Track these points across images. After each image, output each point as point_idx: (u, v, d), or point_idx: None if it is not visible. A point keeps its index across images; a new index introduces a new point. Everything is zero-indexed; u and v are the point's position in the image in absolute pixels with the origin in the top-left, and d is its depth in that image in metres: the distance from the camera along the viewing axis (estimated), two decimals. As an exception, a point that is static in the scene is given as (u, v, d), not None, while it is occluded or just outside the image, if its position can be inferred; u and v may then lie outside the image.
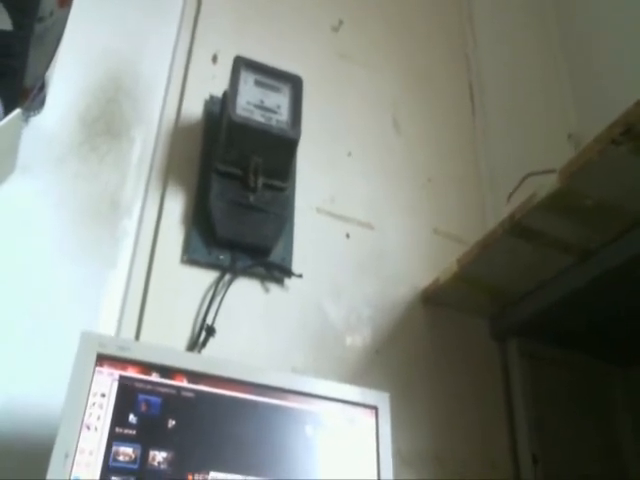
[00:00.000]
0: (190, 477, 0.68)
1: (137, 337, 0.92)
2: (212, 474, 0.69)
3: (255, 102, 1.05)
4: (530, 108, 1.33)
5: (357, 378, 1.02)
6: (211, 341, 0.95)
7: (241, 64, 1.08)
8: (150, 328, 0.92)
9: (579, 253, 0.95)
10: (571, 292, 0.97)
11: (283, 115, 1.06)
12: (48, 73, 1.02)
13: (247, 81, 1.07)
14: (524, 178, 1.10)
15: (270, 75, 1.10)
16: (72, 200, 1.01)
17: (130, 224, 1.03)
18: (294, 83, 1.10)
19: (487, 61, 1.56)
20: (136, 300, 0.95)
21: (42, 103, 1.04)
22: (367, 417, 0.80)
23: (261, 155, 1.04)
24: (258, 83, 1.08)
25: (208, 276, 1.01)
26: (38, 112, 1.04)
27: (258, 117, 1.03)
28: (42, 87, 1.03)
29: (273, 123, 1.04)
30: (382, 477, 0.76)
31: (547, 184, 0.84)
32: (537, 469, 1.04)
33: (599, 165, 0.78)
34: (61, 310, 0.91)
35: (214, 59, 1.26)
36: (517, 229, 0.91)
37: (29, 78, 1.00)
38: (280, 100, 1.08)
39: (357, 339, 1.09)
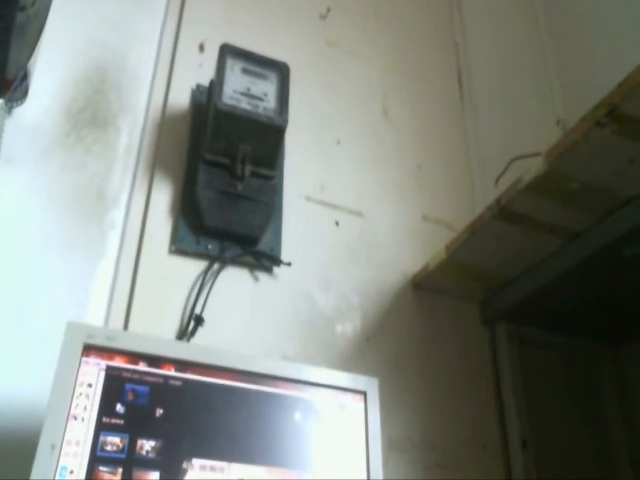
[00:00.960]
0: (179, 465, 0.68)
1: (125, 328, 0.91)
2: (195, 460, 0.69)
3: (242, 90, 1.04)
4: (519, 94, 1.33)
5: (348, 365, 1.02)
6: (200, 331, 0.94)
7: (227, 52, 1.07)
8: (138, 319, 0.92)
9: (566, 235, 0.95)
10: (559, 275, 0.97)
11: (270, 103, 1.05)
12: (30, 63, 1.01)
13: (234, 69, 1.06)
14: (510, 162, 1.10)
15: (257, 62, 1.09)
16: (58, 191, 1.00)
17: (117, 215, 1.03)
18: (281, 70, 1.09)
19: (476, 49, 1.55)
20: (124, 291, 0.95)
21: (25, 93, 1.03)
22: (356, 402, 0.80)
23: (248, 143, 1.04)
24: (245, 71, 1.07)
25: (196, 266, 1.00)
26: (21, 102, 1.02)
27: (245, 105, 1.02)
28: (24, 77, 1.01)
29: (260, 111, 1.03)
30: (371, 461, 0.76)
31: (533, 167, 0.84)
32: (527, 453, 1.04)
33: (584, 147, 0.78)
34: (49, 302, 0.90)
35: (201, 48, 1.25)
36: (504, 213, 0.91)
37: (11, 68, 0.99)
38: (267, 88, 1.07)
39: (347, 326, 1.09)
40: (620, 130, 0.76)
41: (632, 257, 0.84)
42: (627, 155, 0.79)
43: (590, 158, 0.81)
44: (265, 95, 1.06)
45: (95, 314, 0.92)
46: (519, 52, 1.37)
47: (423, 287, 1.17)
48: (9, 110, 1.01)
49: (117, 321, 0.91)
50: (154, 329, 0.91)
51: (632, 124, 0.75)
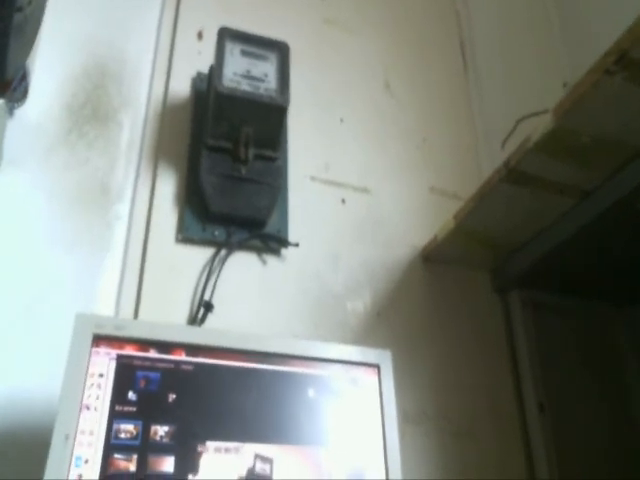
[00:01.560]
0: (194, 449, 0.68)
1: (135, 318, 0.91)
2: (208, 443, 0.68)
3: (242, 72, 1.03)
4: (523, 60, 1.29)
5: (360, 341, 1.01)
6: (211, 317, 0.94)
7: (226, 35, 1.05)
8: (148, 309, 0.92)
9: (578, 194, 0.92)
10: (570, 236, 0.94)
11: (271, 83, 1.04)
12: (29, 62, 1.01)
13: (233, 52, 1.05)
14: (518, 122, 1.07)
15: (256, 44, 1.07)
16: (62, 188, 1.00)
17: (123, 207, 1.02)
18: (280, 50, 1.08)
19: (478, 16, 1.51)
20: (133, 282, 0.94)
21: (25, 93, 1.03)
22: (370, 376, 0.79)
23: (251, 125, 1.02)
24: (244, 53, 1.06)
25: (204, 253, 1.00)
26: (22, 103, 1.03)
27: (245, 87, 1.01)
28: (23, 77, 1.02)
29: (261, 92, 1.02)
30: (387, 434, 0.75)
31: (541, 125, 0.81)
32: (543, 418, 1.02)
33: (593, 99, 0.75)
34: (58, 296, 0.91)
35: (199, 35, 1.24)
36: (513, 175, 0.88)
37: (10, 69, 0.99)
38: (267, 68, 1.06)
39: (358, 303, 1.07)
40: (631, 77, 0.72)
41: (645, 211, 0.81)
42: (639, 103, 0.76)
43: (600, 110, 0.77)
44: (265, 76, 1.04)
45: (105, 306, 0.92)
46: (522, 17, 1.33)
47: (432, 259, 1.15)
48: (10, 111, 1.01)
49: (127, 312, 0.91)
50: (164, 318, 0.91)
51: (643, 70, 0.71)
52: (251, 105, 1.00)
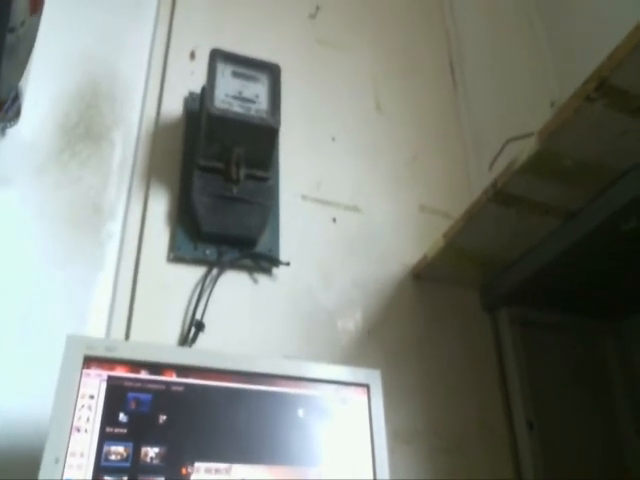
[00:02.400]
0: (184, 470, 0.68)
1: (127, 338, 0.91)
2: (197, 464, 0.69)
3: (233, 94, 1.04)
4: (512, 79, 1.32)
5: (351, 360, 1.02)
6: (202, 336, 0.94)
7: (218, 56, 1.07)
8: (140, 328, 0.92)
9: (563, 215, 0.94)
10: (557, 255, 0.96)
11: (262, 104, 1.05)
12: (21, 82, 1.02)
13: (224, 73, 1.06)
14: (504, 145, 1.09)
15: (247, 65, 1.08)
16: (55, 207, 1.00)
17: (114, 226, 1.03)
18: (272, 71, 1.09)
19: (467, 35, 1.54)
20: (124, 302, 0.95)
21: (18, 113, 1.03)
22: (359, 396, 0.80)
23: (242, 146, 1.03)
24: (236, 74, 1.07)
25: (196, 272, 1.00)
26: (14, 123, 1.03)
27: (237, 108, 1.02)
28: (16, 97, 1.02)
29: (252, 113, 1.03)
30: (376, 453, 0.76)
31: (526, 148, 0.83)
32: (533, 435, 1.03)
33: (576, 124, 0.77)
34: (50, 316, 0.91)
35: (192, 55, 1.25)
36: (500, 196, 0.90)
37: (2, 90, 1.00)
38: (258, 89, 1.07)
39: (348, 321, 1.08)
40: (610, 103, 0.74)
41: (630, 231, 0.83)
42: (618, 128, 0.78)
43: (582, 134, 0.79)
44: (257, 97, 1.06)
45: (96, 326, 0.92)
46: (510, 35, 1.35)
47: (423, 277, 1.16)
48: (2, 131, 1.02)
49: (118, 332, 0.91)
50: (156, 338, 0.91)
51: (622, 96, 0.73)
52: (242, 126, 1.01)
